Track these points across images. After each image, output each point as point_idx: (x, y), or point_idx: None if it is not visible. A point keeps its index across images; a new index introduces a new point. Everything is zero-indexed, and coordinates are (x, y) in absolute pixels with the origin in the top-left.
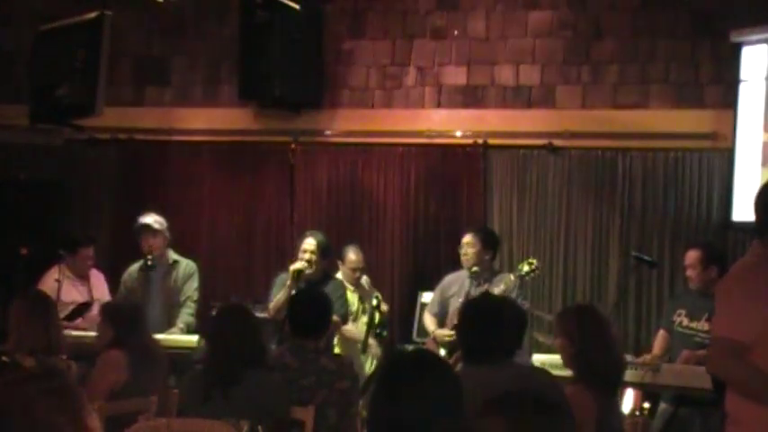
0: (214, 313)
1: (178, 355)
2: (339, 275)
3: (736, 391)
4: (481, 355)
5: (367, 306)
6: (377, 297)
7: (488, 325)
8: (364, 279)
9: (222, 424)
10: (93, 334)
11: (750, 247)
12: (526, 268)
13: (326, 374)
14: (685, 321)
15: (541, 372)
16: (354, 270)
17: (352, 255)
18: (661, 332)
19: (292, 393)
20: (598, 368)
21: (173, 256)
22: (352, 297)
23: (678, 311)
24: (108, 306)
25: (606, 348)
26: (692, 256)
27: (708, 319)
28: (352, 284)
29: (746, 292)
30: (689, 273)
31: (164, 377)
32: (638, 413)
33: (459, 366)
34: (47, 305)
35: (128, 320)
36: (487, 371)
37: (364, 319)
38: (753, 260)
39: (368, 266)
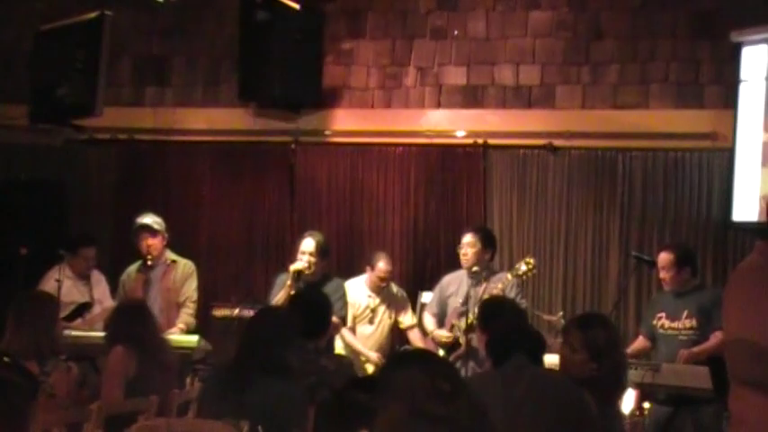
0: (253, 312)
1: (178, 356)
2: (362, 279)
3: (762, 391)
4: (498, 355)
5: (393, 313)
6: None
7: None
8: (395, 289)
9: (222, 424)
10: (93, 334)
11: (755, 247)
12: (523, 267)
13: (327, 374)
14: (666, 323)
15: (556, 372)
16: (382, 279)
17: (382, 264)
18: (640, 337)
19: None
20: (607, 381)
21: (171, 256)
22: (369, 301)
23: (658, 315)
24: (119, 306)
25: (623, 366)
26: (664, 258)
27: (688, 317)
28: (374, 291)
29: (755, 293)
30: (662, 275)
31: (173, 377)
32: (638, 413)
33: (458, 364)
34: (48, 305)
35: (136, 319)
36: (501, 369)
37: (388, 322)
38: (759, 260)
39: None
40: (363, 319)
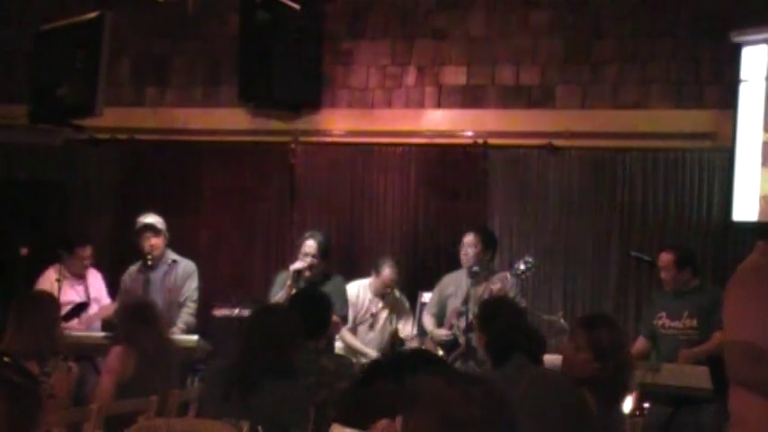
0: (250, 311)
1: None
2: (367, 282)
3: (759, 393)
4: (498, 356)
5: (394, 320)
6: None
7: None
8: (399, 294)
9: (222, 424)
10: (92, 334)
11: (756, 247)
12: (522, 267)
13: (327, 374)
14: (667, 323)
15: (557, 372)
16: (387, 285)
17: (388, 270)
18: (641, 338)
19: None
20: (611, 382)
21: (171, 255)
22: (371, 305)
23: (658, 315)
24: (123, 304)
25: (627, 367)
26: (665, 258)
27: (688, 317)
28: (377, 295)
29: (756, 293)
30: (663, 275)
31: (174, 377)
32: (637, 413)
33: (457, 364)
34: (48, 305)
35: (138, 319)
36: (503, 369)
37: (389, 328)
38: (760, 261)
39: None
40: (364, 323)
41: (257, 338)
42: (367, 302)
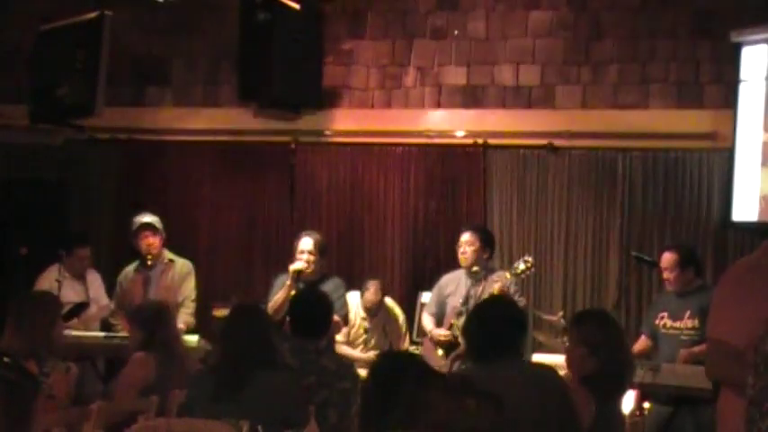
0: (226, 313)
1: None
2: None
3: (737, 390)
4: (491, 353)
5: (387, 338)
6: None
7: (499, 323)
8: (391, 306)
9: (222, 424)
10: (92, 334)
11: (762, 246)
12: (522, 266)
13: (327, 375)
14: (669, 323)
15: (549, 368)
16: (368, 308)
17: (368, 294)
18: (642, 337)
19: None
20: (610, 377)
21: (168, 255)
22: (364, 323)
23: (660, 315)
24: (134, 309)
25: (626, 362)
26: (668, 258)
27: (690, 317)
28: (366, 313)
29: (744, 293)
30: (666, 275)
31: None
32: (638, 413)
33: (456, 364)
34: (49, 306)
35: (152, 321)
36: (496, 367)
37: (383, 344)
38: (755, 260)
39: (372, 271)
40: (358, 338)
41: (242, 335)
42: (359, 320)
